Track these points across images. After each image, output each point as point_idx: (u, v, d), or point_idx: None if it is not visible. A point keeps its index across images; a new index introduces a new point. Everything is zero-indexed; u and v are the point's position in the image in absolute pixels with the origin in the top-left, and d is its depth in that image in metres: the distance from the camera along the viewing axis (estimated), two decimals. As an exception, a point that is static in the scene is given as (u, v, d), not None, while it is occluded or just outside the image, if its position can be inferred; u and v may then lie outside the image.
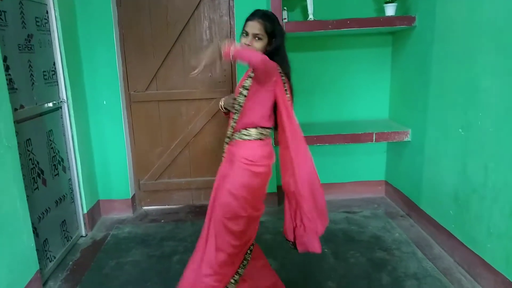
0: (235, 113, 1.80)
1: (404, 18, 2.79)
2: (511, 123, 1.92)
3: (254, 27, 1.74)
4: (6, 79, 1.99)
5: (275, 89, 1.76)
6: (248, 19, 1.78)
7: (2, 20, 2.06)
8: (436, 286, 2.20)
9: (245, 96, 1.76)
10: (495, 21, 2.01)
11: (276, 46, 1.77)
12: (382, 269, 2.38)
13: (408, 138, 2.97)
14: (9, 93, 1.99)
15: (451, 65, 2.42)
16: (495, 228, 2.07)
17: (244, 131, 1.80)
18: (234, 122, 1.81)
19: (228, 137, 1.86)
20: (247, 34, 1.75)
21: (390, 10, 2.84)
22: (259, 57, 1.60)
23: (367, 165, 3.47)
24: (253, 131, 1.80)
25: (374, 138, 2.94)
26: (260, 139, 1.81)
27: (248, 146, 1.80)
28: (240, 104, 1.77)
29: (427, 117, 2.71)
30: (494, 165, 2.06)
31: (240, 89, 1.78)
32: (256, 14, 1.76)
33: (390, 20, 2.79)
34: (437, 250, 2.58)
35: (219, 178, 1.88)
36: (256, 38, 1.74)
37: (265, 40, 1.76)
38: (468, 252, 2.29)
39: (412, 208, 3.00)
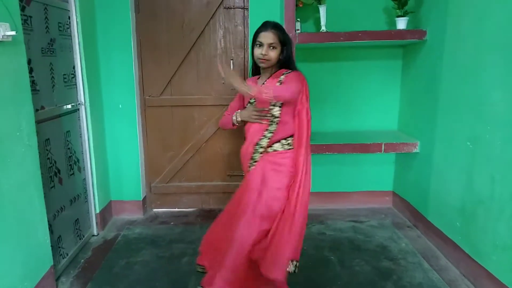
0: (271, 124, 1.91)
1: (415, 32, 2.85)
2: (518, 137, 1.96)
3: (268, 37, 1.87)
4: (30, 81, 2.08)
5: (302, 97, 1.90)
6: (260, 31, 1.92)
7: (28, 25, 2.16)
8: (441, 296, 2.23)
9: (279, 107, 1.88)
10: (504, 36, 2.06)
11: (289, 54, 1.92)
12: (388, 278, 2.40)
13: (416, 149, 3.01)
14: (31, 94, 2.09)
15: (460, 78, 2.46)
16: (500, 240, 2.09)
17: (283, 141, 1.93)
18: (271, 133, 1.91)
19: (263, 147, 1.94)
20: (261, 44, 1.89)
21: (401, 23, 2.90)
22: (290, 91, 1.82)
23: (375, 176, 3.50)
24: (290, 140, 1.94)
25: (383, 148, 2.98)
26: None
27: (292, 156, 1.92)
28: (276, 116, 1.90)
29: (435, 129, 2.75)
30: (501, 177, 2.08)
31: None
32: (268, 25, 1.91)
33: (401, 34, 2.84)
34: (443, 262, 2.60)
35: (257, 182, 1.93)
36: (271, 48, 1.88)
37: (279, 48, 1.91)
38: (474, 264, 2.31)
39: (419, 219, 3.02)
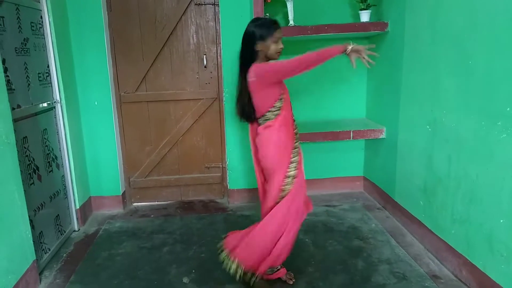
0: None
1: (378, 24, 3.01)
2: (468, 119, 2.14)
3: (281, 32, 2.05)
4: (5, 80, 2.13)
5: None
6: (275, 28, 2.01)
7: (0, 25, 2.20)
8: (406, 270, 2.40)
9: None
10: (455, 28, 2.23)
11: None
12: (358, 256, 2.57)
13: (383, 135, 3.18)
14: (7, 93, 2.13)
15: (419, 67, 2.63)
16: (457, 215, 2.28)
17: None
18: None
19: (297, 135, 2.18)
20: (278, 39, 2.02)
21: (364, 16, 3.05)
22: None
23: (347, 162, 3.67)
24: None
25: (351, 135, 3.14)
26: None
27: None
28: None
29: (399, 115, 2.93)
30: (456, 157, 2.27)
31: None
32: (278, 23, 2.05)
33: (364, 26, 3.00)
34: (409, 238, 2.78)
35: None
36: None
37: None
38: (436, 239, 2.50)
39: (387, 201, 3.21)
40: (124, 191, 3.50)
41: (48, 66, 2.75)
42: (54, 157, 2.79)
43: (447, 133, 2.35)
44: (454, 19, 2.23)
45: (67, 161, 2.93)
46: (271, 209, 2.07)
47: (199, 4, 3.23)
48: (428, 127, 2.54)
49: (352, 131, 3.13)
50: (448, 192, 2.36)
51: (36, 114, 2.57)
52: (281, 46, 2.04)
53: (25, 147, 2.41)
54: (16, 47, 2.36)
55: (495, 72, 1.93)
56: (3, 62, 2.19)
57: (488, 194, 2.02)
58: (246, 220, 3.12)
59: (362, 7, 3.04)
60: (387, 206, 3.24)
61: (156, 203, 3.58)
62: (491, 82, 1.96)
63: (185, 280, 2.35)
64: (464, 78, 2.16)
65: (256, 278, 2.11)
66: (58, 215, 2.81)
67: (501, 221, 1.93)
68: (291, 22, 3.06)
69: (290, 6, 3.03)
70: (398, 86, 2.91)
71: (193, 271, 2.45)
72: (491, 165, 1.99)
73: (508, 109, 1.85)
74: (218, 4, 3.19)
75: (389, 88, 3.07)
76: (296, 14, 3.07)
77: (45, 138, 2.67)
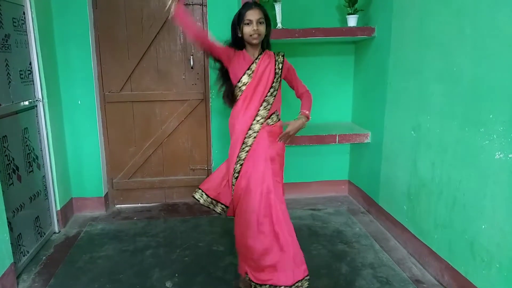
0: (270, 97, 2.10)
1: (365, 29, 3.03)
2: (452, 124, 2.17)
3: (256, 13, 1.98)
4: (-16, 77, 2.07)
5: None
6: (246, 10, 1.99)
7: (-19, 20, 2.14)
8: (389, 274, 2.41)
9: (279, 83, 2.11)
10: (441, 35, 2.26)
11: (269, 31, 2.08)
12: (342, 260, 2.57)
13: (368, 140, 3.20)
14: (-13, 90, 2.07)
15: (405, 73, 2.66)
16: (440, 219, 2.31)
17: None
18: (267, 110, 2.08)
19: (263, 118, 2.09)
20: (250, 22, 1.98)
21: (352, 21, 3.07)
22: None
23: (332, 166, 3.69)
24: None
25: (337, 139, 3.16)
26: None
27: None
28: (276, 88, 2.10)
29: (384, 120, 2.95)
30: (440, 162, 2.29)
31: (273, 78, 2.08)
32: (251, 4, 2.01)
33: (352, 31, 3.02)
34: (393, 243, 2.80)
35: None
36: (260, 23, 1.99)
37: (264, 24, 2.02)
38: (419, 243, 2.52)
39: (371, 205, 3.23)
40: (107, 192, 3.43)
41: (30, 64, 2.68)
42: (35, 157, 2.72)
43: (431, 138, 2.38)
44: (441, 26, 2.26)
45: (48, 161, 2.86)
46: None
47: (187, 4, 3.20)
48: (412, 132, 2.57)
49: (338, 135, 3.15)
50: (432, 197, 2.38)
51: (16, 112, 2.50)
52: (255, 27, 1.97)
53: (4, 146, 2.34)
54: (-4, 43, 2.30)
55: (480, 79, 1.96)
56: (-17, 58, 2.12)
57: (470, 200, 2.05)
58: (231, 222, 3.09)
59: (350, 11, 3.06)
60: (371, 210, 3.26)
61: (140, 205, 3.53)
62: (476, 89, 1.99)
63: (168, 284, 2.31)
64: (449, 85, 2.19)
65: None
66: (38, 216, 2.74)
67: (483, 226, 1.96)
68: (279, 25, 3.05)
69: (278, 9, 3.03)
70: (383, 91, 2.94)
71: (176, 275, 2.41)
72: (474, 171, 2.01)
73: (491, 116, 1.88)
74: (206, 5, 3.17)
75: (375, 93, 3.09)
76: (284, 17, 3.07)
77: (25, 138, 2.60)
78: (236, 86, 2.08)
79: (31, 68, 2.69)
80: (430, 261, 2.40)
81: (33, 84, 2.72)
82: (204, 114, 3.41)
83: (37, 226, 2.72)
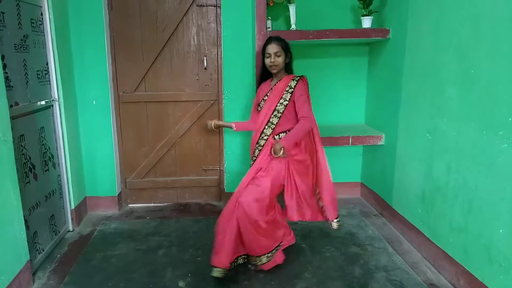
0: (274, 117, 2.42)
1: (379, 31, 3.01)
2: (469, 128, 2.14)
3: (273, 47, 2.38)
4: (3, 77, 2.09)
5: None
6: (266, 44, 2.40)
7: (0, 21, 2.17)
8: (403, 277, 2.39)
9: (285, 106, 2.37)
10: (457, 37, 2.23)
11: (290, 58, 2.46)
12: (355, 262, 2.56)
13: (381, 142, 3.18)
14: (6, 90, 2.10)
15: (420, 75, 2.63)
16: (456, 223, 2.28)
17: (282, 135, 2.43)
18: (274, 125, 2.41)
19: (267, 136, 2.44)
20: (269, 55, 2.38)
21: (366, 22, 3.05)
22: (305, 128, 2.36)
23: (345, 168, 3.67)
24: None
25: (350, 141, 3.14)
26: None
27: None
28: (280, 111, 2.39)
29: (398, 122, 2.93)
30: (455, 166, 2.27)
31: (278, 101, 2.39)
32: (272, 39, 2.41)
33: (366, 32, 3.00)
34: (407, 246, 2.78)
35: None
36: (277, 55, 2.37)
37: (283, 55, 2.40)
38: (433, 247, 2.50)
39: (384, 208, 3.20)
40: (120, 192, 3.46)
41: (47, 64, 2.72)
42: (50, 156, 2.76)
43: (447, 141, 2.35)
44: (457, 28, 2.24)
45: (63, 161, 2.89)
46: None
47: (201, 5, 3.22)
48: (428, 135, 2.54)
49: (351, 137, 3.13)
50: (447, 201, 2.36)
51: (33, 112, 2.53)
52: (272, 60, 2.36)
53: (21, 145, 2.38)
54: (15, 44, 2.33)
55: (497, 81, 1.93)
56: (2, 58, 2.16)
57: (487, 204, 2.02)
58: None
59: (364, 13, 3.05)
60: (384, 213, 3.23)
61: (152, 204, 3.55)
62: (494, 91, 1.96)
63: (181, 284, 2.32)
64: (466, 87, 2.16)
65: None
66: (53, 215, 2.78)
67: (500, 231, 1.93)
68: (293, 26, 3.05)
69: (292, 10, 3.03)
70: (398, 93, 2.91)
71: (189, 275, 2.42)
72: (491, 174, 1.99)
73: (510, 119, 1.85)
74: (220, 6, 3.18)
75: (389, 95, 3.07)
76: (298, 18, 3.07)
77: (42, 137, 2.64)
78: (258, 106, 2.54)
79: (48, 68, 2.73)
80: (445, 265, 2.38)
81: (50, 84, 2.75)
82: (217, 115, 3.42)
83: (52, 224, 2.75)
